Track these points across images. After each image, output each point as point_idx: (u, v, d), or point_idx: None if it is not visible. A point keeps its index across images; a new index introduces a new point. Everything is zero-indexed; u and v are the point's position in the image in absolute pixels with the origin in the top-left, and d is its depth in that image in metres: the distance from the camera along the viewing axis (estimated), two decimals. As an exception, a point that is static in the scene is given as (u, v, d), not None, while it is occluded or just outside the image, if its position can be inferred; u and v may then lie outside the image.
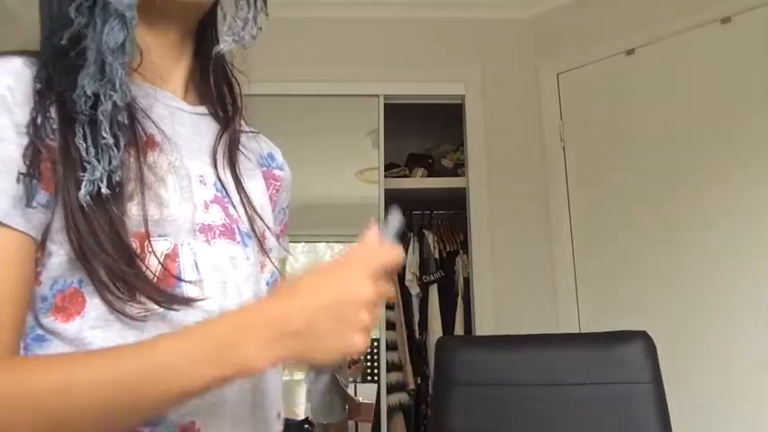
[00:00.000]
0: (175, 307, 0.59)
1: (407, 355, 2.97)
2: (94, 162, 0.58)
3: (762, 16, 2.18)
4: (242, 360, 0.53)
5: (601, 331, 1.48)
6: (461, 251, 3.05)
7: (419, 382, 2.97)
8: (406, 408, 2.90)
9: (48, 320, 0.58)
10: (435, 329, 2.95)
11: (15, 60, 0.60)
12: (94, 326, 0.57)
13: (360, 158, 2.88)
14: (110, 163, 0.58)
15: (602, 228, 2.49)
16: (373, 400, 2.95)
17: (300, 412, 3.23)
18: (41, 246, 0.59)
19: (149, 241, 0.60)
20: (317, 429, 3.14)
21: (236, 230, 0.70)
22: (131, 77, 0.62)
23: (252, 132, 0.83)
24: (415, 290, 3.04)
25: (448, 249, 3.11)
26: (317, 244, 3.43)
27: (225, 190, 0.72)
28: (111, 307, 0.57)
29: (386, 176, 2.82)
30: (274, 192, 0.83)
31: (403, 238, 3.16)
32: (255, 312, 0.56)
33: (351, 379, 3.25)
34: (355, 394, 3.25)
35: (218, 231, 0.67)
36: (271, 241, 0.75)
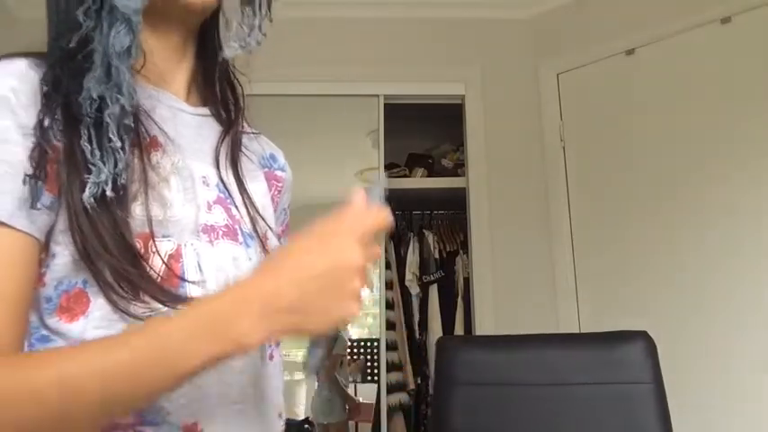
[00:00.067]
0: (179, 306, 0.59)
1: (407, 355, 2.97)
2: (100, 164, 0.58)
3: (762, 16, 2.18)
4: (237, 336, 0.52)
5: (601, 331, 1.48)
6: (461, 251, 3.05)
7: (419, 382, 2.97)
8: (406, 408, 2.90)
9: (52, 321, 0.58)
10: (435, 329, 2.96)
11: (19, 62, 0.60)
12: (99, 326, 0.57)
13: (360, 158, 2.88)
14: (115, 166, 0.59)
15: (602, 228, 2.49)
16: (373, 400, 2.95)
17: (300, 412, 3.23)
18: (45, 247, 0.59)
19: (153, 242, 0.60)
20: (317, 429, 3.14)
21: (239, 231, 0.70)
22: (134, 79, 0.62)
23: (253, 133, 0.83)
24: (415, 290, 3.05)
25: (448, 249, 3.11)
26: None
27: (227, 191, 0.72)
28: (116, 307, 0.57)
29: (386, 176, 2.82)
30: (276, 193, 0.83)
31: (403, 238, 3.16)
32: (247, 288, 0.55)
33: (351, 379, 3.25)
34: (355, 394, 3.25)
35: (220, 232, 0.68)
36: (272, 242, 0.75)
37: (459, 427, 1.34)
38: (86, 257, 0.57)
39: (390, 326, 2.93)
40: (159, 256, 0.60)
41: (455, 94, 2.80)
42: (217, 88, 0.77)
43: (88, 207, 0.57)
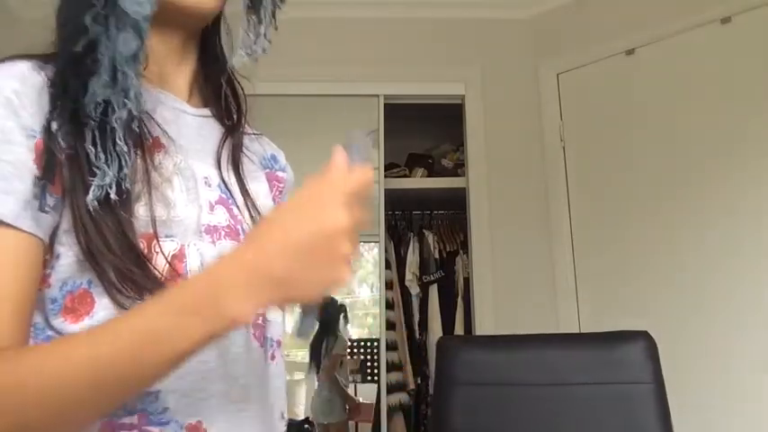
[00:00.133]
0: None
1: (407, 355, 2.97)
2: (104, 168, 0.59)
3: (762, 16, 2.18)
4: (227, 312, 0.51)
5: (602, 331, 1.48)
6: (461, 251, 3.06)
7: (419, 382, 2.97)
8: (406, 408, 2.90)
9: (57, 322, 0.59)
10: (435, 329, 2.96)
11: (22, 64, 0.61)
12: None
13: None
14: (120, 169, 0.59)
15: (602, 228, 2.49)
16: (373, 400, 2.95)
17: (300, 412, 3.23)
18: (49, 248, 0.59)
19: (157, 242, 0.61)
20: (317, 429, 3.14)
21: (241, 231, 0.71)
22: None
23: (254, 134, 0.84)
24: (415, 290, 3.05)
25: (448, 249, 3.11)
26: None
27: (229, 191, 0.73)
28: (121, 307, 0.58)
29: (386, 176, 2.83)
30: (277, 193, 0.83)
31: (403, 238, 3.16)
32: (232, 262, 0.53)
33: (351, 378, 3.25)
34: (355, 394, 3.25)
35: (223, 232, 0.68)
36: None
37: (459, 427, 1.34)
38: (91, 258, 0.58)
39: (390, 326, 2.93)
40: (163, 256, 0.61)
41: (455, 94, 2.80)
42: (219, 91, 0.77)
43: (91, 209, 0.58)
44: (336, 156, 0.56)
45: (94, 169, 0.58)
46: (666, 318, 2.17)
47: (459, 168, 3.05)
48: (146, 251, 0.60)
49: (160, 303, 0.53)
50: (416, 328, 3.02)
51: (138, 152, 0.63)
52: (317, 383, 3.20)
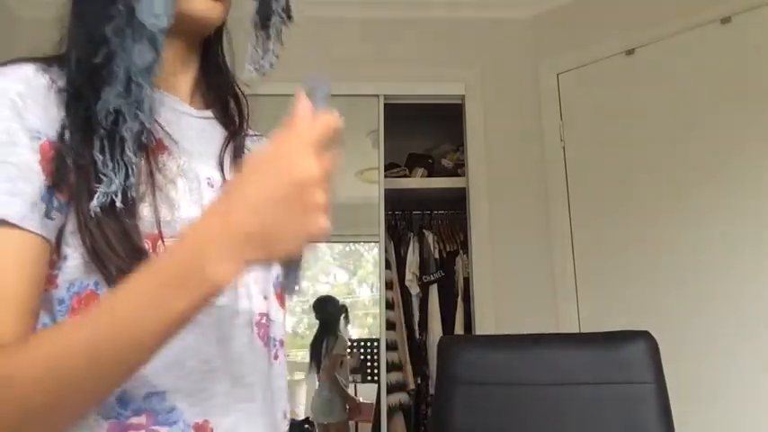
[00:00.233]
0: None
1: (407, 355, 2.96)
2: (111, 176, 0.59)
3: (762, 16, 2.18)
4: (211, 277, 0.50)
5: (603, 331, 1.48)
6: (461, 251, 3.06)
7: (419, 382, 2.97)
8: (406, 408, 2.90)
9: None
10: (435, 329, 2.95)
11: (26, 67, 0.62)
12: None
13: (360, 158, 2.88)
14: (126, 178, 0.60)
15: (602, 228, 2.49)
16: (373, 400, 2.95)
17: (300, 412, 3.23)
18: (56, 249, 0.60)
19: (162, 242, 0.61)
20: (318, 429, 3.14)
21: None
22: None
23: (256, 135, 0.84)
24: (415, 290, 3.04)
25: (448, 249, 3.11)
26: (317, 244, 3.43)
27: None
28: None
29: (386, 176, 2.82)
30: None
31: (403, 238, 3.16)
32: (207, 226, 0.52)
33: (351, 378, 3.25)
34: (355, 394, 3.25)
35: None
36: None
37: (460, 427, 1.34)
38: (96, 260, 0.58)
39: (390, 326, 2.93)
40: None
41: (455, 94, 2.80)
42: (221, 96, 0.79)
43: (94, 214, 0.58)
44: (299, 104, 0.55)
45: (101, 176, 0.59)
46: (666, 318, 2.17)
47: (459, 168, 3.05)
48: (151, 252, 0.60)
49: (143, 279, 0.52)
50: (416, 328, 3.02)
51: (142, 154, 0.64)
52: (317, 383, 3.20)
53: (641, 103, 2.44)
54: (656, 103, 2.40)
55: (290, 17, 0.74)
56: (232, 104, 0.80)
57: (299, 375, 3.22)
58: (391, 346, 2.89)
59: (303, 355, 3.21)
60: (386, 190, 2.74)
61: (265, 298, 0.73)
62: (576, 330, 2.42)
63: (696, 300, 2.17)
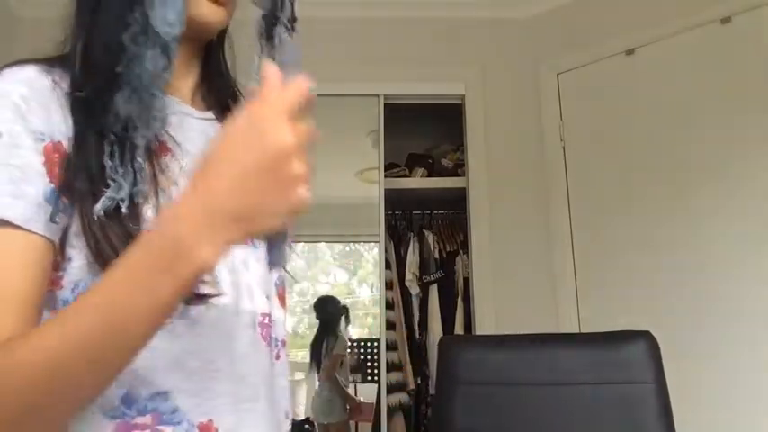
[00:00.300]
0: (194, 303, 0.61)
1: (407, 355, 2.96)
2: (121, 181, 0.59)
3: (762, 16, 2.18)
4: (195, 260, 0.49)
5: (603, 331, 1.48)
6: (461, 251, 3.05)
7: (419, 382, 2.97)
8: (406, 408, 2.90)
9: None
10: (435, 329, 2.95)
11: (28, 69, 0.62)
12: None
13: (360, 158, 2.88)
14: (134, 184, 0.60)
15: (602, 227, 2.49)
16: (373, 400, 2.95)
17: (300, 412, 3.23)
18: (61, 250, 0.60)
19: None
20: (318, 429, 3.14)
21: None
22: None
23: None
24: (415, 290, 3.04)
25: (448, 249, 3.11)
26: (317, 244, 3.44)
27: None
28: None
29: (386, 176, 2.82)
30: None
31: (403, 238, 3.16)
32: (187, 207, 0.51)
33: (351, 379, 3.25)
34: (355, 394, 3.25)
35: None
36: None
37: (460, 427, 1.34)
38: (101, 261, 0.58)
39: (390, 326, 2.93)
40: None
41: (455, 94, 2.80)
42: (223, 98, 0.80)
43: (97, 218, 0.59)
44: (268, 73, 0.53)
45: (108, 181, 0.59)
46: (666, 318, 2.17)
47: (459, 168, 3.05)
48: None
49: (129, 266, 0.51)
50: (416, 328, 3.02)
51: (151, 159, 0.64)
52: (317, 383, 3.20)
53: (641, 103, 2.44)
54: (656, 103, 2.40)
55: (294, 28, 0.75)
56: (232, 106, 0.80)
57: (300, 375, 3.22)
58: (391, 346, 2.89)
59: (303, 355, 3.21)
60: (386, 190, 2.74)
61: (267, 298, 0.73)
62: (576, 330, 2.42)
63: (696, 300, 2.17)
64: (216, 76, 0.80)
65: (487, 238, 2.65)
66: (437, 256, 3.09)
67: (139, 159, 0.60)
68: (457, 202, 2.92)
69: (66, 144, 0.61)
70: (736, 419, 2.02)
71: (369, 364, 3.27)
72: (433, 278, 3.05)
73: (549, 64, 2.72)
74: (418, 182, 3.07)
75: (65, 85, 0.63)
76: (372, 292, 3.51)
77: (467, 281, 2.88)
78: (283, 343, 0.76)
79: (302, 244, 3.21)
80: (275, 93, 0.51)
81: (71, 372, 0.51)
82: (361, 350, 3.35)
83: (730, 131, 2.20)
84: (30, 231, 0.57)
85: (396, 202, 3.09)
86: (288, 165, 0.50)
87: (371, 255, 3.38)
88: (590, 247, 2.51)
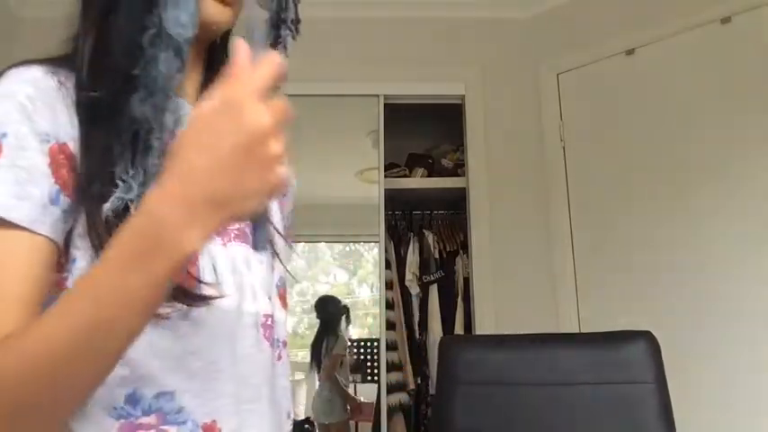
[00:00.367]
0: (198, 304, 0.61)
1: (407, 355, 2.96)
2: (131, 182, 0.59)
3: (762, 16, 2.18)
4: (181, 250, 0.49)
5: (604, 331, 1.48)
6: (461, 251, 3.05)
7: (419, 382, 2.97)
8: (406, 408, 2.90)
9: None
10: (435, 329, 2.95)
11: (35, 69, 0.62)
12: None
13: (360, 158, 2.88)
14: (144, 185, 0.60)
15: (602, 228, 2.49)
16: (373, 400, 2.95)
17: (301, 412, 3.23)
18: (65, 251, 0.61)
19: None
20: (318, 429, 3.14)
21: (249, 234, 0.71)
22: None
23: None
24: (415, 290, 3.04)
25: (448, 249, 3.10)
26: (317, 244, 3.44)
27: None
28: None
29: (386, 176, 2.83)
30: (282, 196, 0.84)
31: (403, 238, 3.16)
32: (167, 200, 0.49)
33: (351, 379, 3.25)
34: (355, 394, 3.25)
35: (233, 234, 0.69)
36: (279, 245, 0.76)
37: (461, 426, 1.34)
38: None
39: (390, 326, 2.93)
40: None
41: (455, 94, 2.80)
42: None
43: (104, 218, 0.58)
44: (238, 52, 0.51)
45: (119, 181, 0.59)
46: (667, 318, 2.17)
47: (459, 168, 3.05)
48: None
49: (112, 262, 0.50)
50: (416, 328, 3.02)
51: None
52: (317, 383, 3.20)
53: (641, 103, 2.44)
54: (656, 103, 2.40)
55: (298, 30, 0.75)
56: None
57: (300, 375, 3.22)
58: (391, 346, 2.89)
59: (303, 355, 3.21)
60: (386, 190, 2.74)
61: (269, 299, 0.73)
62: (576, 330, 2.42)
63: (696, 300, 2.17)
64: (219, 77, 0.80)
65: (487, 238, 2.65)
66: (437, 256, 3.09)
67: (155, 160, 0.60)
68: (457, 202, 2.93)
69: (71, 145, 0.61)
70: (736, 419, 2.02)
71: (369, 364, 3.27)
72: (433, 278, 3.05)
73: (549, 64, 2.72)
74: (418, 182, 3.07)
75: (70, 85, 0.63)
76: (372, 292, 3.51)
77: (467, 281, 2.89)
78: (284, 343, 0.76)
79: (302, 244, 3.21)
80: (247, 72, 0.50)
81: (65, 362, 0.50)
82: (361, 350, 3.35)
83: (730, 131, 2.20)
84: (34, 233, 0.57)
85: (396, 202, 3.09)
86: (266, 145, 0.49)
87: (371, 255, 3.38)
88: (590, 247, 2.51)
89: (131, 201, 0.59)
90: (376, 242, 2.78)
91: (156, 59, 0.59)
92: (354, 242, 3.65)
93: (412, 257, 3.07)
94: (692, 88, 2.32)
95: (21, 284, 0.56)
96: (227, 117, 0.48)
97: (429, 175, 3.11)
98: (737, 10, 2.23)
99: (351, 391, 3.22)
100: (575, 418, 1.32)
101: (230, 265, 0.67)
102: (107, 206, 0.58)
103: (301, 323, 3.30)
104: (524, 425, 1.34)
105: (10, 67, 0.62)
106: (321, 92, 2.72)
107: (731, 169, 2.18)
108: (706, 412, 2.00)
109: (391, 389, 2.78)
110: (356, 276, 3.74)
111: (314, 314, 3.19)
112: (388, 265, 2.98)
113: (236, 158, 0.48)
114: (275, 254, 0.75)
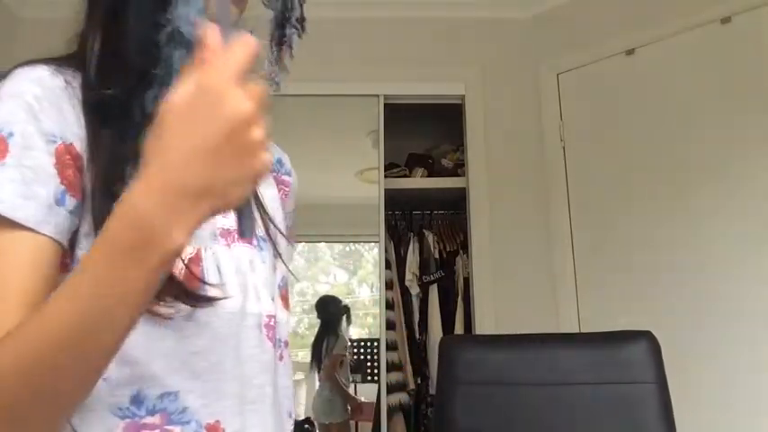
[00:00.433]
0: (201, 305, 0.61)
1: (407, 355, 2.96)
2: None
3: (762, 16, 2.18)
4: (166, 246, 0.47)
5: (603, 331, 1.48)
6: (461, 251, 3.05)
7: (419, 382, 2.97)
8: (406, 408, 2.90)
9: None
10: (435, 329, 2.95)
11: (41, 69, 0.62)
12: None
13: (360, 158, 2.88)
14: None
15: (602, 228, 2.49)
16: (373, 400, 2.95)
17: (301, 412, 3.23)
18: (70, 251, 0.61)
19: None
20: (318, 429, 3.14)
21: (253, 234, 0.71)
22: None
23: None
24: (415, 290, 3.04)
25: (448, 249, 3.10)
26: (317, 244, 3.44)
27: None
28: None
29: (386, 176, 2.83)
30: (283, 197, 0.85)
31: (403, 238, 3.16)
32: (148, 194, 0.47)
33: (351, 379, 3.25)
34: (355, 394, 3.25)
35: (236, 235, 0.69)
36: (282, 245, 0.77)
37: (461, 426, 1.34)
38: None
39: (390, 326, 2.93)
40: (180, 259, 0.62)
41: (455, 94, 2.80)
42: None
43: None
44: (209, 37, 0.49)
45: (127, 180, 0.59)
46: (667, 318, 2.17)
47: (459, 168, 3.05)
48: None
49: (99, 260, 0.49)
50: (416, 328, 3.02)
51: None
52: (317, 383, 3.20)
53: (641, 103, 2.44)
54: (656, 103, 2.40)
55: (303, 29, 0.74)
56: None
57: (300, 375, 3.22)
58: (391, 346, 2.89)
59: (304, 355, 3.21)
60: (386, 190, 2.74)
61: (272, 299, 0.73)
62: (576, 330, 2.42)
63: (696, 300, 2.17)
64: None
65: (487, 238, 2.66)
66: (437, 256, 3.09)
67: None
68: (457, 202, 2.93)
69: (78, 145, 0.61)
70: (736, 419, 2.02)
71: (369, 364, 3.27)
72: (433, 278, 3.05)
73: (549, 64, 2.72)
74: (418, 182, 3.07)
75: (76, 84, 0.63)
76: (372, 292, 3.51)
77: (467, 281, 2.89)
78: (286, 344, 0.76)
79: (302, 244, 3.21)
80: (220, 56, 0.48)
81: (54, 367, 0.49)
82: (362, 350, 3.35)
83: (730, 131, 2.20)
84: (39, 233, 0.57)
85: (396, 203, 3.09)
86: (248, 132, 0.47)
87: (371, 255, 3.38)
88: (590, 247, 2.51)
89: None
90: (376, 242, 2.78)
91: (171, 57, 0.59)
92: (354, 242, 3.65)
93: (412, 257, 3.07)
94: (692, 88, 2.32)
95: (24, 285, 0.56)
96: (206, 106, 0.47)
97: (429, 175, 3.11)
98: (737, 10, 2.23)
99: (351, 391, 3.22)
100: (575, 418, 1.32)
101: (234, 266, 0.68)
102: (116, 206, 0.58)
103: (301, 323, 3.30)
104: (524, 425, 1.34)
105: (16, 67, 0.62)
106: (321, 92, 2.72)
107: (731, 169, 2.18)
108: (706, 412, 2.01)
109: (391, 389, 2.78)
110: (356, 276, 3.74)
111: (314, 314, 3.20)
112: (388, 265, 2.98)
113: (218, 148, 0.47)
114: (278, 254, 0.76)
